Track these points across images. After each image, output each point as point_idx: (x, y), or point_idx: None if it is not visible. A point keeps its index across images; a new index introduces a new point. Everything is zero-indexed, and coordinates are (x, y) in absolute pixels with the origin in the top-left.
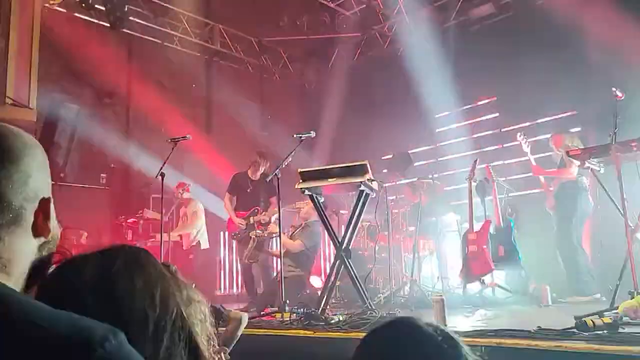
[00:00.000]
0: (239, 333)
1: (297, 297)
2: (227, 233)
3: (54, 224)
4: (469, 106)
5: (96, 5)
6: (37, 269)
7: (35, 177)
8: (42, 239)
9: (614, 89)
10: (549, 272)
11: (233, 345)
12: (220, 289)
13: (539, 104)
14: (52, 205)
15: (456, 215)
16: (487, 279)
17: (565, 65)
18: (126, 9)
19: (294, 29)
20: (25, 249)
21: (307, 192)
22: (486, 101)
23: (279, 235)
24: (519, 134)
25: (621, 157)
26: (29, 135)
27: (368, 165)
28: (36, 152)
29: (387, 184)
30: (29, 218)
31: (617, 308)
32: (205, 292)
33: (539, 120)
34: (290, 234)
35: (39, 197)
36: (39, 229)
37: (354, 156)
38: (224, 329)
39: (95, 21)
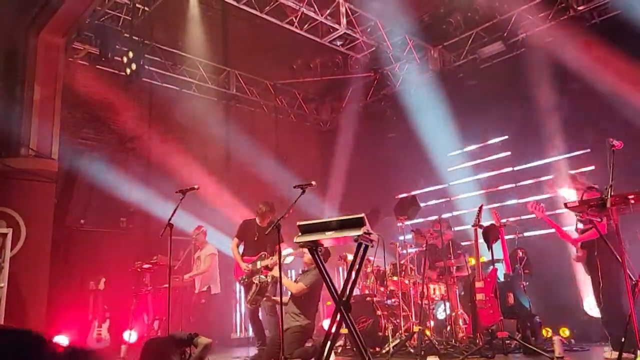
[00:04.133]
0: (206, 354)
1: (296, 350)
2: None
3: None
4: (481, 145)
5: (116, 58)
6: None
7: None
8: None
9: (610, 139)
10: (563, 317)
11: None
12: (236, 332)
13: (551, 142)
14: None
15: (467, 259)
16: (496, 328)
17: (577, 102)
18: (142, 62)
19: (308, 71)
20: None
21: (305, 245)
22: (498, 139)
23: (279, 280)
24: (529, 204)
25: (619, 210)
26: None
27: (365, 218)
28: None
29: (400, 223)
30: None
31: None
32: (221, 335)
33: (552, 159)
34: (294, 280)
35: None
36: None
37: (367, 195)
38: None
39: (117, 72)
